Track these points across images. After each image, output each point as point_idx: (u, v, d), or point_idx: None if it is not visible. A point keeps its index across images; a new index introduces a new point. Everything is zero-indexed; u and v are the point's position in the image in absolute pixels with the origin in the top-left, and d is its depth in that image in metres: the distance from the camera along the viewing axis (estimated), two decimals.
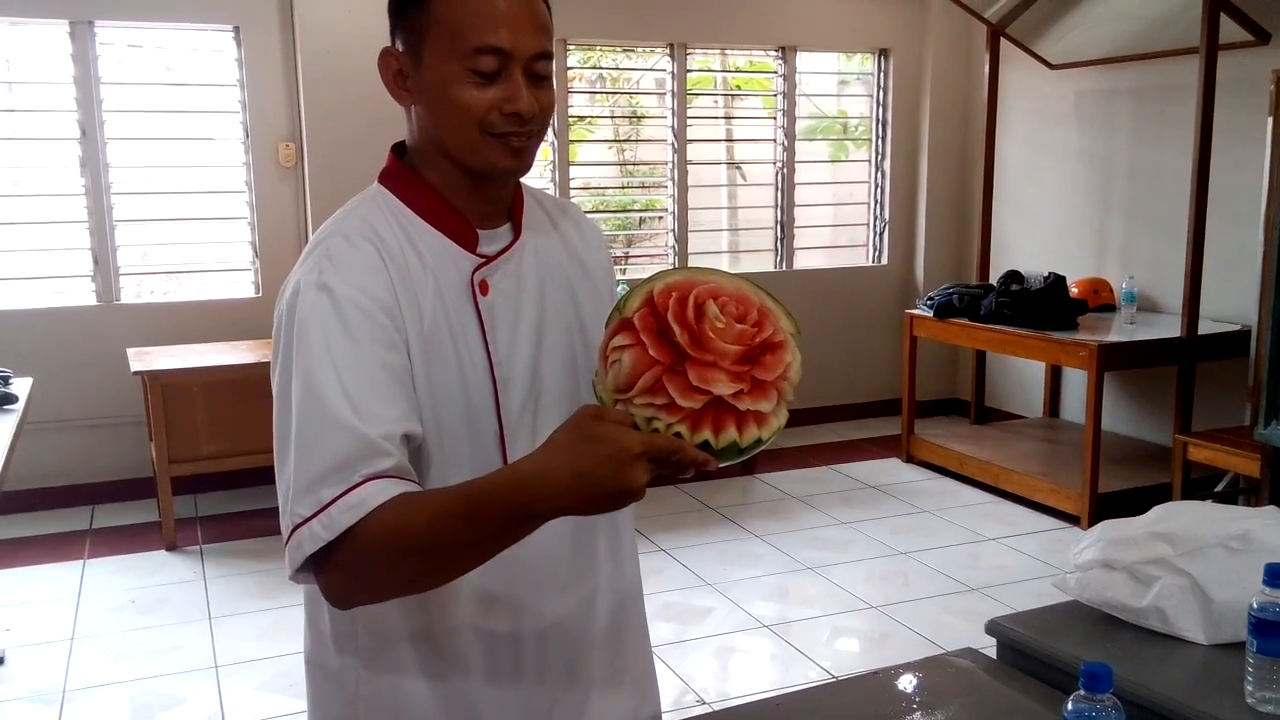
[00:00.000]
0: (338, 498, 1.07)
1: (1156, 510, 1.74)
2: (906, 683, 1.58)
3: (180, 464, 4.33)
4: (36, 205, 4.76)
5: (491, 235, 1.27)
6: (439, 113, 1.20)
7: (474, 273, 1.23)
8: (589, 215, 1.46)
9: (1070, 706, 1.11)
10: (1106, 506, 4.39)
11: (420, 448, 1.18)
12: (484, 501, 1.04)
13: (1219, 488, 4.42)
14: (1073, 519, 4.51)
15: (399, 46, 1.22)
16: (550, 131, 5.51)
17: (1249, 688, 1.35)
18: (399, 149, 1.29)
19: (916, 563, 4.16)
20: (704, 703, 3.13)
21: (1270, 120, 3.91)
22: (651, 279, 1.07)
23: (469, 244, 1.24)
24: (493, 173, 1.22)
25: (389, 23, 1.24)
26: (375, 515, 1.06)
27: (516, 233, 1.28)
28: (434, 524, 1.06)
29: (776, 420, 1.03)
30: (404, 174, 1.26)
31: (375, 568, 1.09)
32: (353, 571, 1.09)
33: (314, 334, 1.12)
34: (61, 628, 3.66)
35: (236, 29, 4.91)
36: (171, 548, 4.34)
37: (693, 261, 5.82)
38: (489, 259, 1.25)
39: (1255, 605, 1.33)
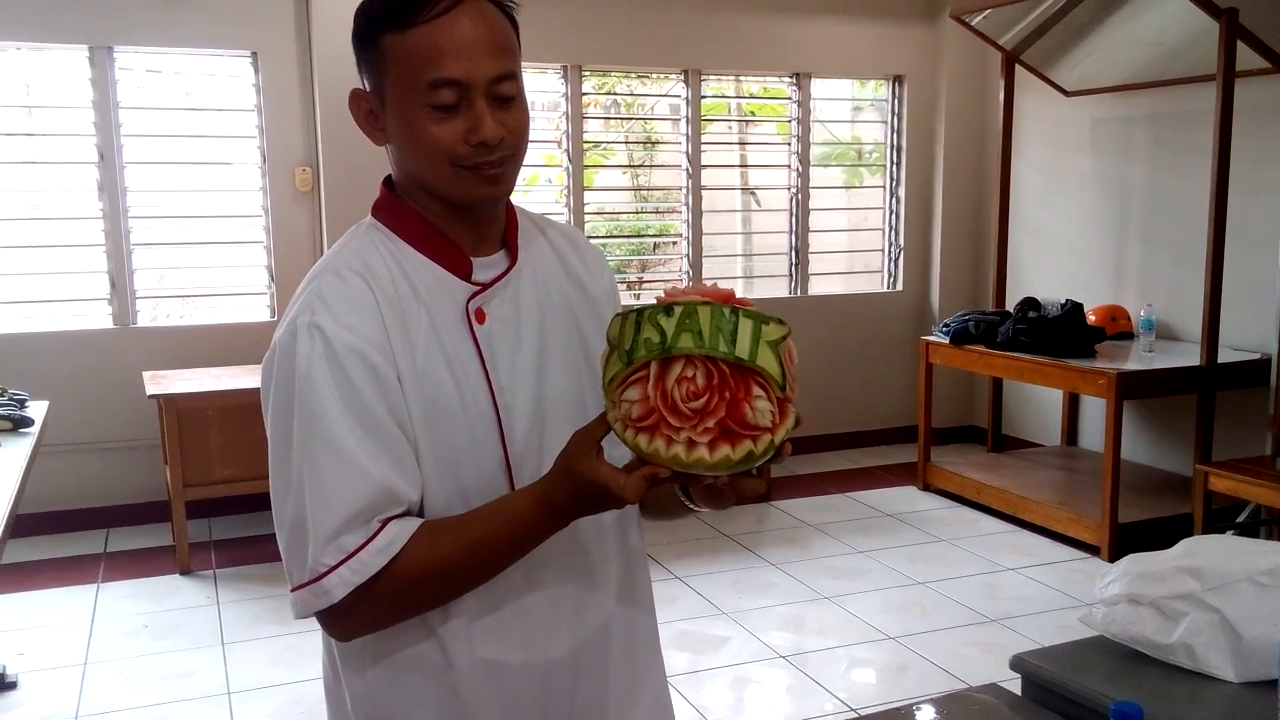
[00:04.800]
0: (364, 545, 1.12)
1: (1183, 544, 1.71)
2: (928, 718, 1.56)
3: (194, 488, 4.33)
4: (55, 229, 4.79)
5: (487, 262, 1.26)
6: (409, 151, 1.20)
7: (469, 301, 1.23)
8: (603, 240, 1.47)
9: None
10: (1127, 537, 4.34)
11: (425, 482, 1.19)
12: (515, 530, 1.14)
13: (1241, 518, 4.37)
14: (1092, 549, 4.47)
15: (366, 86, 1.22)
16: (565, 157, 5.53)
17: None
18: (389, 181, 1.29)
19: (934, 593, 4.12)
20: None
21: None
22: (642, 329, 1.05)
23: (463, 272, 1.23)
24: (472, 203, 1.21)
25: (356, 62, 1.24)
26: (404, 552, 1.13)
27: (512, 259, 1.27)
28: (467, 554, 1.15)
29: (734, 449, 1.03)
30: (395, 206, 1.26)
31: (401, 601, 1.16)
32: (373, 608, 1.15)
33: (319, 382, 1.13)
34: (75, 652, 3.65)
35: (254, 54, 4.95)
36: (185, 572, 4.33)
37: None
38: (484, 286, 1.24)
39: None
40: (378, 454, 1.13)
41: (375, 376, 1.15)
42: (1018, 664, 1.66)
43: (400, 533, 1.13)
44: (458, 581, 1.17)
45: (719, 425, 1.01)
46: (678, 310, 1.02)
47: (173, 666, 3.54)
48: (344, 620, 1.16)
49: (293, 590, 1.15)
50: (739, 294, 1.09)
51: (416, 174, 1.21)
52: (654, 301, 1.06)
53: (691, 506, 1.21)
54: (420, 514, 1.19)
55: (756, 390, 1.02)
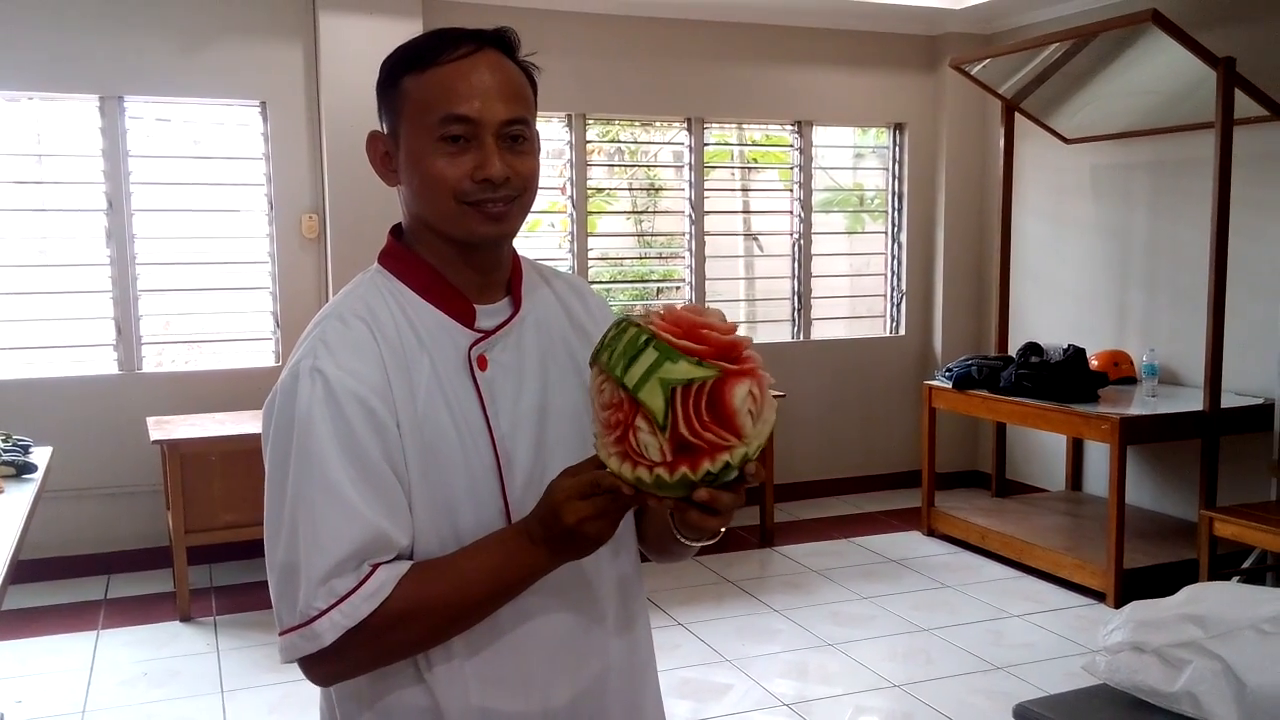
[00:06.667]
0: (354, 589, 1.12)
1: (1186, 591, 1.71)
2: None
3: (196, 533, 4.32)
4: (62, 275, 4.83)
5: (490, 310, 1.27)
6: (418, 187, 1.22)
7: (471, 348, 1.24)
8: (607, 285, 1.48)
9: None
10: (1132, 583, 4.31)
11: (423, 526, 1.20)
12: (495, 560, 1.15)
13: (1246, 564, 4.34)
14: (1098, 595, 4.43)
15: (384, 128, 1.27)
16: (569, 203, 5.57)
17: None
18: (396, 230, 1.31)
19: (940, 640, 4.09)
20: None
21: None
22: (626, 348, 1.05)
23: (467, 319, 1.25)
24: (474, 241, 1.23)
25: (377, 109, 1.28)
26: (393, 595, 1.13)
27: (516, 306, 1.29)
28: (451, 588, 1.15)
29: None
30: (401, 253, 1.28)
31: (387, 644, 1.15)
32: (360, 651, 1.15)
33: (318, 425, 1.14)
34: (73, 700, 3.62)
35: (263, 104, 5.01)
36: (185, 619, 4.31)
37: None
38: (487, 334, 1.25)
39: None
40: (372, 499, 1.14)
41: (374, 422, 1.16)
42: (1022, 713, 1.65)
43: (389, 577, 1.13)
44: (445, 620, 1.16)
45: (620, 443, 1.05)
46: (620, 327, 1.07)
47: (171, 715, 3.51)
48: (330, 664, 1.16)
49: (282, 634, 1.15)
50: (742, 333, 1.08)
51: (423, 212, 1.23)
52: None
53: (681, 537, 1.20)
54: (411, 559, 1.19)
55: (640, 422, 1.03)
